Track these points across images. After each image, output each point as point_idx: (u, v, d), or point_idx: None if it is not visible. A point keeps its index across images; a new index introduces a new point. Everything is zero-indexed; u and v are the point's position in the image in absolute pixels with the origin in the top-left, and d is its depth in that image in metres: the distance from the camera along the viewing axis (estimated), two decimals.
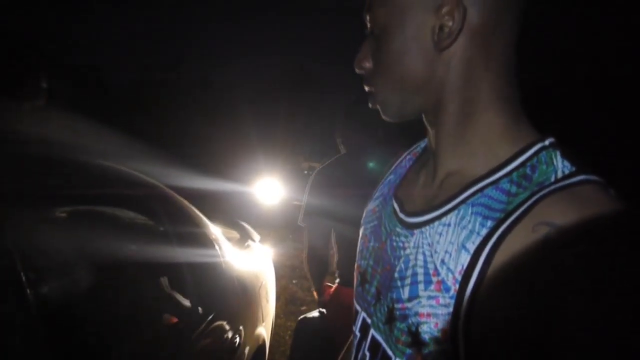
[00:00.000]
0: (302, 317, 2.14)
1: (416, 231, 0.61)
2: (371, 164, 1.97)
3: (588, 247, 0.45)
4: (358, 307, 0.73)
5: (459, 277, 0.53)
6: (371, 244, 0.73)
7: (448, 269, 0.54)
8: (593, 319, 0.43)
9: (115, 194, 1.54)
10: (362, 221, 0.80)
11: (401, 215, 0.66)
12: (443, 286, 0.54)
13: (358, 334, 0.71)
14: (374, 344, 0.65)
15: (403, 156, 0.81)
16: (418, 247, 0.60)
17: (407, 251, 0.61)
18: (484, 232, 0.53)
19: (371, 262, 0.71)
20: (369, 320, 0.68)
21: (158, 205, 1.75)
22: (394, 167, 0.81)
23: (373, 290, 0.69)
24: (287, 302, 4.73)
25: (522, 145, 0.56)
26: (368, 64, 0.65)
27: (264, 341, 2.49)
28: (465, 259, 0.53)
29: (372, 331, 0.66)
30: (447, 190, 0.60)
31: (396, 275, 0.62)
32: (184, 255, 1.75)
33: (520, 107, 0.60)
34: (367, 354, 0.66)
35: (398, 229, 0.65)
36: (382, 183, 0.81)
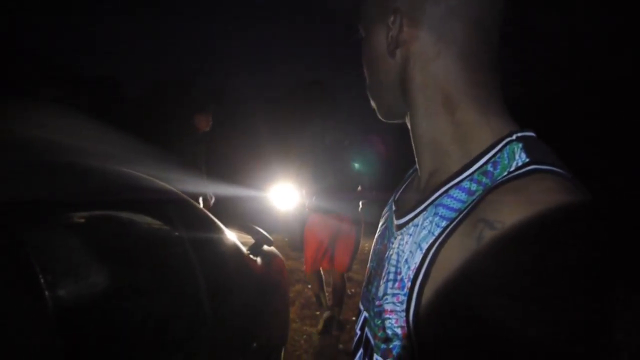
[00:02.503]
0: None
1: (398, 232, 0.65)
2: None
3: (513, 244, 0.45)
4: (361, 307, 0.76)
5: (412, 275, 0.55)
6: (377, 247, 0.77)
7: (407, 267, 0.57)
8: (512, 315, 0.43)
9: (131, 199, 1.56)
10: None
11: (393, 218, 0.70)
12: (401, 284, 0.57)
13: (358, 332, 0.74)
14: (366, 339, 0.68)
15: None
16: (395, 248, 0.63)
17: (391, 252, 0.65)
18: (437, 231, 0.54)
19: (374, 264, 0.75)
20: (368, 319, 0.71)
21: (173, 210, 1.77)
22: (407, 174, 0.84)
23: (373, 290, 0.71)
24: (302, 306, 4.73)
25: (492, 141, 0.57)
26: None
27: (279, 346, 2.50)
28: (418, 257, 0.55)
29: (366, 329, 0.69)
30: (426, 192, 0.62)
31: (382, 274, 0.65)
32: (199, 260, 1.77)
33: (492, 103, 0.60)
34: (361, 350, 0.70)
35: (392, 231, 0.69)
36: (395, 190, 0.84)
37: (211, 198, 4.88)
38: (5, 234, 0.96)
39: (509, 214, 0.47)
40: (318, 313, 4.36)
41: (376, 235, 0.80)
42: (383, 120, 0.70)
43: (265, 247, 2.89)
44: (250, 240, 2.88)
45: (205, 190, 4.75)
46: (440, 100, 0.60)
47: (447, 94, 0.59)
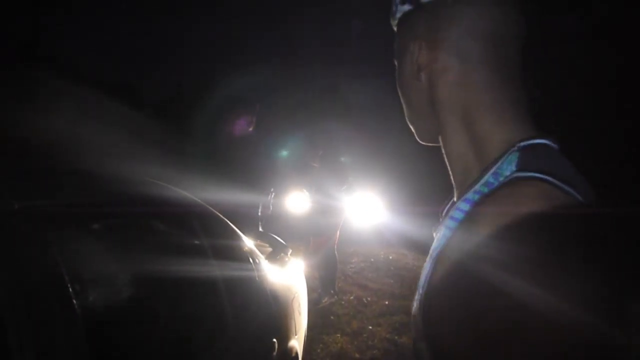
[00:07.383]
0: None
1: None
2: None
3: (487, 254, 0.47)
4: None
5: (424, 284, 0.59)
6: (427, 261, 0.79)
7: (424, 278, 0.60)
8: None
9: (153, 207, 1.58)
10: None
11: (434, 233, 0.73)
12: (419, 295, 0.61)
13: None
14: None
15: None
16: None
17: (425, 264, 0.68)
18: (442, 242, 0.58)
19: (422, 278, 0.76)
20: None
21: (194, 218, 1.79)
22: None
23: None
24: (318, 314, 4.72)
25: (502, 152, 0.57)
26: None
27: (296, 354, 2.49)
28: (429, 267, 0.59)
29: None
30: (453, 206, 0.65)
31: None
32: (219, 268, 1.78)
33: (509, 112, 0.60)
34: None
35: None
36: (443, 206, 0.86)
37: (268, 207, 4.80)
38: (35, 240, 0.98)
39: (484, 225, 0.50)
40: (332, 318, 4.35)
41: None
42: (422, 143, 0.73)
43: (283, 254, 2.90)
44: (268, 248, 2.89)
45: (263, 199, 4.68)
46: (460, 115, 0.62)
47: (466, 108, 0.62)
